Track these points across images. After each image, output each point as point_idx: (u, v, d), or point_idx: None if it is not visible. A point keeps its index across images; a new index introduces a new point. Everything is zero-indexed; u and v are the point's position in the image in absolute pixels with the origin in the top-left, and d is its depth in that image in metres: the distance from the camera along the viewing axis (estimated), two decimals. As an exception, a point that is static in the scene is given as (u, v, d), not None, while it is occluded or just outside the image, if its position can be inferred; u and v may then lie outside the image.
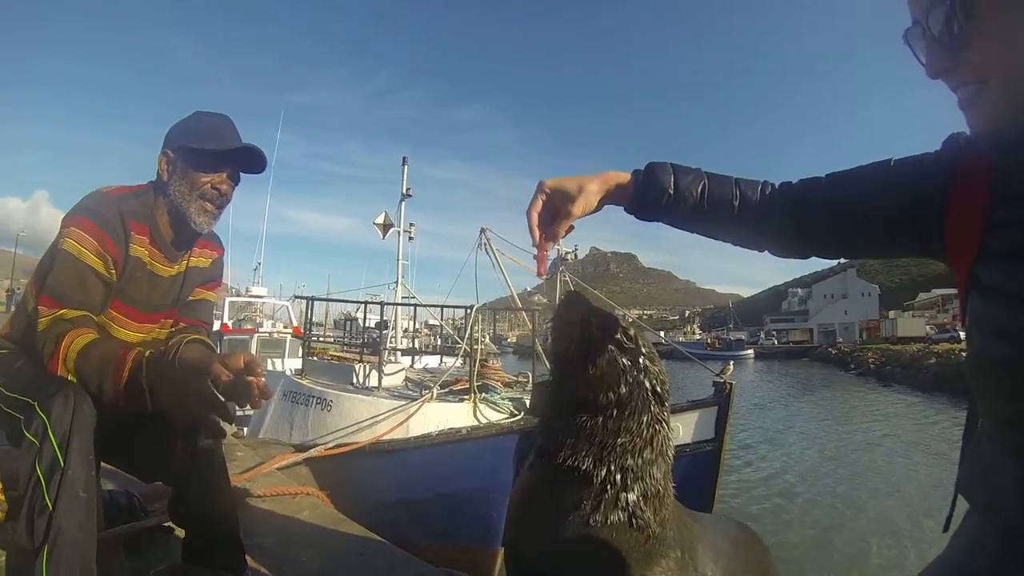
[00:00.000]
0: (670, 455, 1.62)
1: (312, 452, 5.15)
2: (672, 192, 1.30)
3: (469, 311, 8.51)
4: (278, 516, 3.39)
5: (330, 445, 6.48)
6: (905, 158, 1.16)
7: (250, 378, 1.74)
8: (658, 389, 1.60)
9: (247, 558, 2.24)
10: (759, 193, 1.30)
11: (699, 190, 1.30)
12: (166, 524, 2.61)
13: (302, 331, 10.22)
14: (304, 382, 7.95)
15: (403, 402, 7.06)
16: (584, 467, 1.51)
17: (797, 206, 1.25)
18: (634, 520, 1.52)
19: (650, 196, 1.31)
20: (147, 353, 1.79)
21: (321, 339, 13.09)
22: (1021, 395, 0.89)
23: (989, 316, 0.95)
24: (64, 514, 1.66)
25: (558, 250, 14.55)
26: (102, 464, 2.09)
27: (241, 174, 2.23)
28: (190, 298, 2.30)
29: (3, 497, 2.09)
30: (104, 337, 1.90)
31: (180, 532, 2.27)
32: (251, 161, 2.19)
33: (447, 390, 7.65)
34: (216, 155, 2.09)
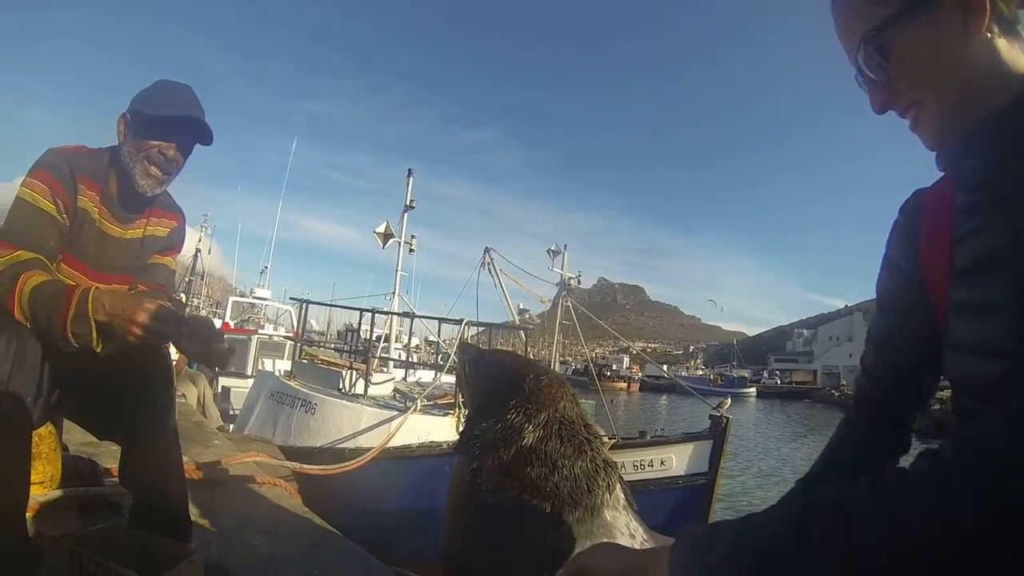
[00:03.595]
0: (530, 439, 1.86)
1: (292, 464, 5.04)
2: None
3: (460, 324, 8.55)
4: (240, 502, 3.45)
5: (316, 449, 6.56)
6: (880, 281, 1.26)
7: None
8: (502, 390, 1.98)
9: (203, 536, 2.30)
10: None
11: None
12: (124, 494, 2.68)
13: (300, 335, 10.25)
14: (292, 384, 8.00)
15: (386, 411, 7.10)
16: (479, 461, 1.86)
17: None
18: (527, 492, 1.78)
19: None
20: (94, 288, 1.87)
21: (322, 347, 13.12)
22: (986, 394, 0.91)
23: (957, 333, 0.98)
24: None
25: (562, 275, 14.59)
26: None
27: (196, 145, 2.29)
28: (148, 263, 2.36)
29: None
30: (58, 279, 1.95)
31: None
32: (200, 132, 2.25)
33: (432, 403, 7.68)
34: (163, 120, 2.15)
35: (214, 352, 2.00)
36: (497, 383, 2.05)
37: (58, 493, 2.55)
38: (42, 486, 2.50)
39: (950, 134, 0.96)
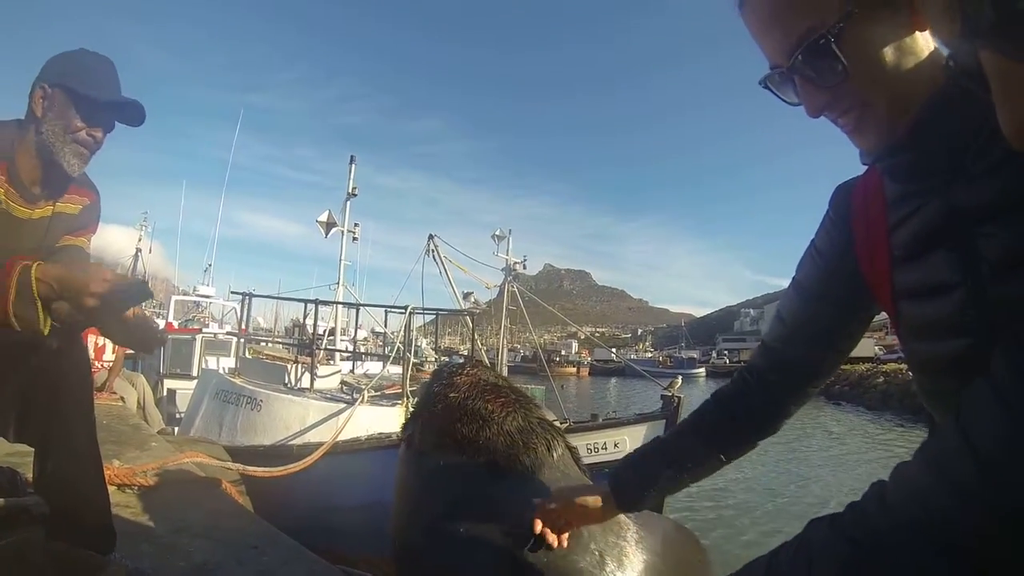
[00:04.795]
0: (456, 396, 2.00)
1: (236, 466, 4.85)
2: (654, 489, 1.52)
3: (405, 311, 8.46)
4: (177, 505, 3.29)
5: (264, 448, 6.43)
6: (802, 267, 1.30)
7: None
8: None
9: (133, 545, 2.16)
10: (717, 418, 1.47)
11: (671, 471, 1.48)
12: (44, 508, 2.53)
13: (245, 330, 10.04)
14: (236, 380, 7.80)
15: (334, 404, 6.98)
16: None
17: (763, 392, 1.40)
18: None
19: (635, 504, 1.56)
20: (36, 264, 1.64)
21: (269, 343, 12.90)
22: (938, 370, 0.97)
23: (913, 318, 1.01)
24: None
25: (507, 260, 14.59)
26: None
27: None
28: (57, 245, 2.15)
29: None
30: None
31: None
32: (132, 114, 2.10)
33: (380, 394, 7.59)
34: (100, 105, 2.00)
35: (142, 330, 1.85)
36: (426, 382, 2.24)
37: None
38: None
39: (892, 134, 0.95)
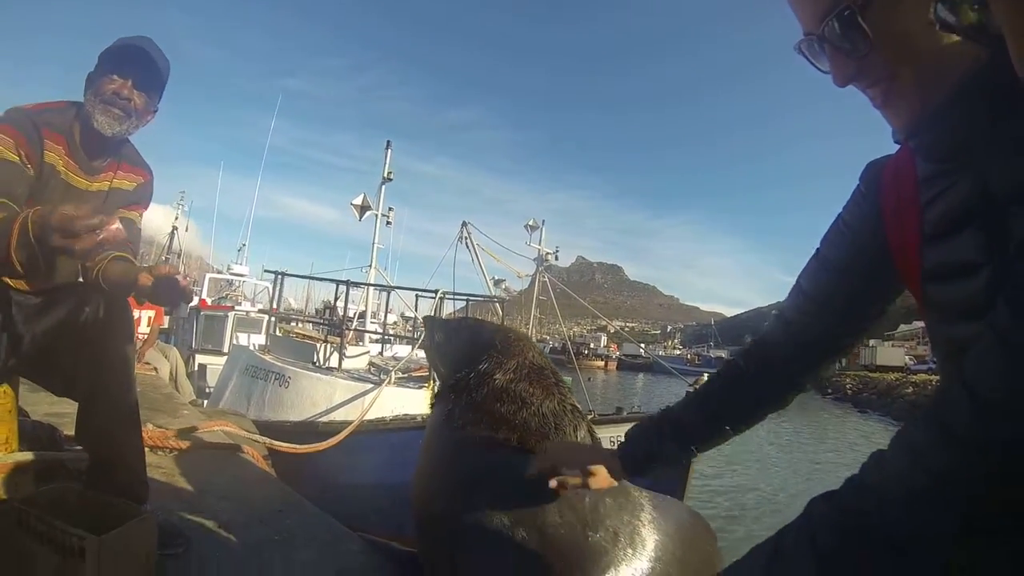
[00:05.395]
0: (501, 380, 2.05)
1: (264, 440, 4.93)
2: (658, 459, 1.56)
3: (435, 296, 8.51)
4: (204, 468, 3.41)
5: (290, 423, 6.52)
6: (827, 241, 1.27)
7: (176, 276, 1.90)
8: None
9: (163, 500, 2.25)
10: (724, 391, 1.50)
11: (675, 442, 1.53)
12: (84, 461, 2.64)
13: (276, 309, 10.15)
14: (266, 357, 7.90)
15: (361, 384, 7.03)
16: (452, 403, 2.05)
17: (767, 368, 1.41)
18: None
19: (642, 471, 1.59)
20: (34, 210, 1.74)
21: (299, 322, 13.01)
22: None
23: (938, 298, 0.99)
24: None
25: (539, 250, 14.59)
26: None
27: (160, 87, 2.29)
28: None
29: None
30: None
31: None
32: (149, 64, 2.21)
33: (406, 375, 7.64)
34: (110, 59, 2.15)
35: (166, 284, 1.92)
36: (470, 344, 2.18)
37: (13, 457, 2.49)
38: (-4, 449, 2.44)
39: (923, 109, 0.93)
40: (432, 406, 2.18)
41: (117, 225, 1.71)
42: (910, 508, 0.78)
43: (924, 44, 0.90)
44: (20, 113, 2.06)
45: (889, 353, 57.67)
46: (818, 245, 1.30)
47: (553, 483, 1.66)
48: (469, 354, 2.13)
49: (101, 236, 1.65)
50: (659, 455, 1.55)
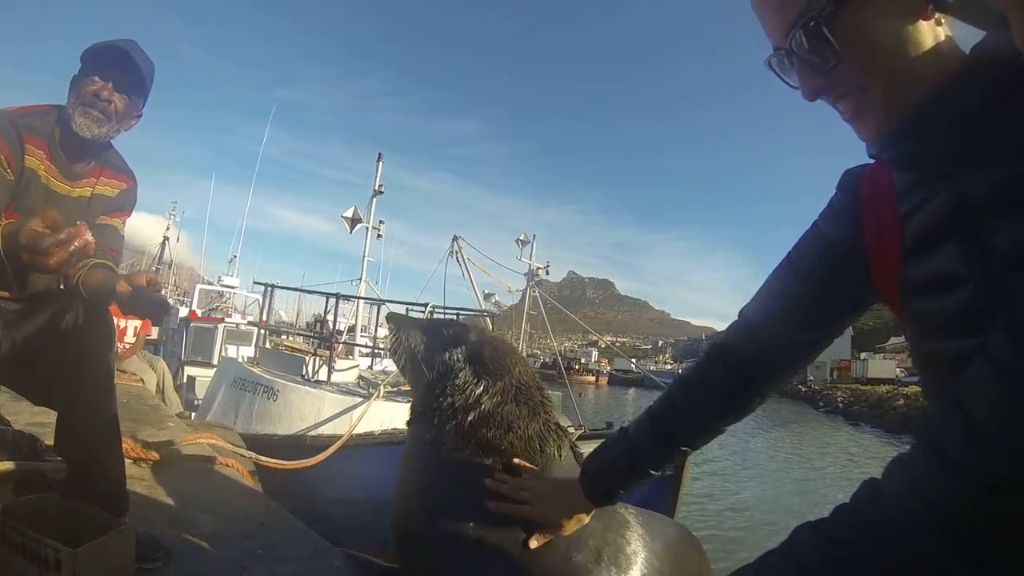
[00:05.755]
0: (488, 405, 1.96)
1: (250, 455, 4.89)
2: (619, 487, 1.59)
3: (425, 309, 8.50)
4: (187, 480, 3.38)
5: (278, 436, 6.48)
6: (801, 246, 1.27)
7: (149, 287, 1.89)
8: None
9: (144, 512, 2.23)
10: (684, 400, 1.47)
11: (638, 463, 1.52)
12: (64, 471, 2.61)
13: (266, 321, 10.13)
14: (254, 370, 7.86)
15: (350, 398, 7.01)
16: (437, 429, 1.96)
17: (734, 372, 1.37)
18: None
19: (605, 498, 1.63)
20: (5, 222, 1.75)
21: (288, 335, 12.99)
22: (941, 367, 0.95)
23: (920, 313, 0.97)
24: None
25: (530, 264, 14.60)
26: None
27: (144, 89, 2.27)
28: (95, 223, 2.25)
29: None
30: None
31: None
32: (129, 65, 2.19)
33: (396, 389, 7.61)
34: (92, 60, 2.14)
35: (142, 297, 1.91)
36: (452, 356, 2.07)
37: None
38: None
39: (893, 121, 0.93)
40: (409, 424, 2.11)
41: (88, 236, 1.70)
42: (904, 536, 0.77)
43: (892, 54, 0.90)
44: (1, 117, 2.03)
45: (880, 365, 57.85)
46: (790, 251, 1.29)
47: (533, 543, 1.69)
48: (453, 368, 2.03)
49: (72, 248, 1.65)
50: (618, 489, 1.59)
